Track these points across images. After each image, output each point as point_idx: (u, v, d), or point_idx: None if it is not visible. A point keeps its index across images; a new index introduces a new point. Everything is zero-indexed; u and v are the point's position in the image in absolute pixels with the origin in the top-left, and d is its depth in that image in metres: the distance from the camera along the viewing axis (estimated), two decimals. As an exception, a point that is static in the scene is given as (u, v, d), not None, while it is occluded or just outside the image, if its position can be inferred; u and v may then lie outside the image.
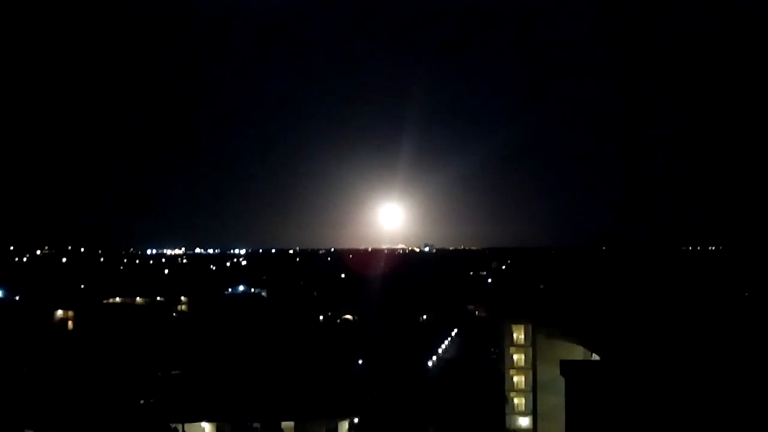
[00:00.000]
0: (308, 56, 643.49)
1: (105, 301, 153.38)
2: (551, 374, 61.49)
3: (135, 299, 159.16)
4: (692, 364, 44.44)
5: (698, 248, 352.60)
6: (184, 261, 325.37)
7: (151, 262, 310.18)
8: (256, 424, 61.70)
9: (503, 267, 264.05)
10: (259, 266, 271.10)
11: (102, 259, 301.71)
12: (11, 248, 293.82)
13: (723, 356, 45.66)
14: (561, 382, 53.09)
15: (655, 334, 56.22)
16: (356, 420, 62.90)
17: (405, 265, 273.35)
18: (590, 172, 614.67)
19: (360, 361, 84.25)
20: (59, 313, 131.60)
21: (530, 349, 71.93)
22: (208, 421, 61.89)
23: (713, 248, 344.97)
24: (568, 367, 51.72)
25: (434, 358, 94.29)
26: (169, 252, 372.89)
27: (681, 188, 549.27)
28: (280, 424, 61.76)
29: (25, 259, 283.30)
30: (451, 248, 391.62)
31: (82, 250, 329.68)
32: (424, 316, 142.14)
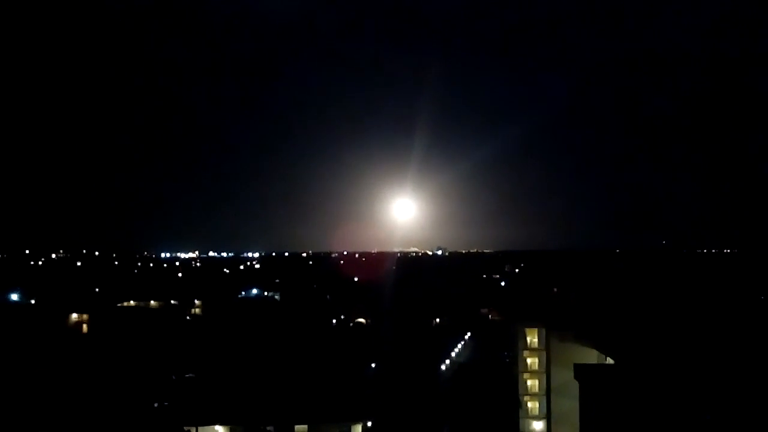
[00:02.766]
0: (319, 56, 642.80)
1: (119, 305, 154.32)
2: (565, 378, 61.29)
3: (149, 303, 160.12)
4: (707, 367, 44.11)
5: (713, 251, 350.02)
6: (198, 264, 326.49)
7: (165, 265, 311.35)
8: (269, 427, 61.82)
9: (516, 270, 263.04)
10: (273, 270, 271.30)
11: (116, 263, 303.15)
12: (27, 252, 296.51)
13: (738, 360, 45.29)
14: (575, 385, 52.97)
15: (670, 337, 55.85)
16: (369, 423, 62.92)
17: (418, 268, 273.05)
18: (605, 174, 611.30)
19: (373, 365, 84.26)
20: (74, 316, 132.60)
21: (544, 353, 71.53)
22: (222, 424, 62.09)
23: (729, 251, 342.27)
24: (582, 371, 51.58)
25: (447, 361, 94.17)
26: (183, 256, 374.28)
27: (697, 190, 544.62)
28: (293, 428, 61.85)
29: (40, 263, 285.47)
30: (463, 251, 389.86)
31: (97, 253, 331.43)
32: (437, 320, 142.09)
